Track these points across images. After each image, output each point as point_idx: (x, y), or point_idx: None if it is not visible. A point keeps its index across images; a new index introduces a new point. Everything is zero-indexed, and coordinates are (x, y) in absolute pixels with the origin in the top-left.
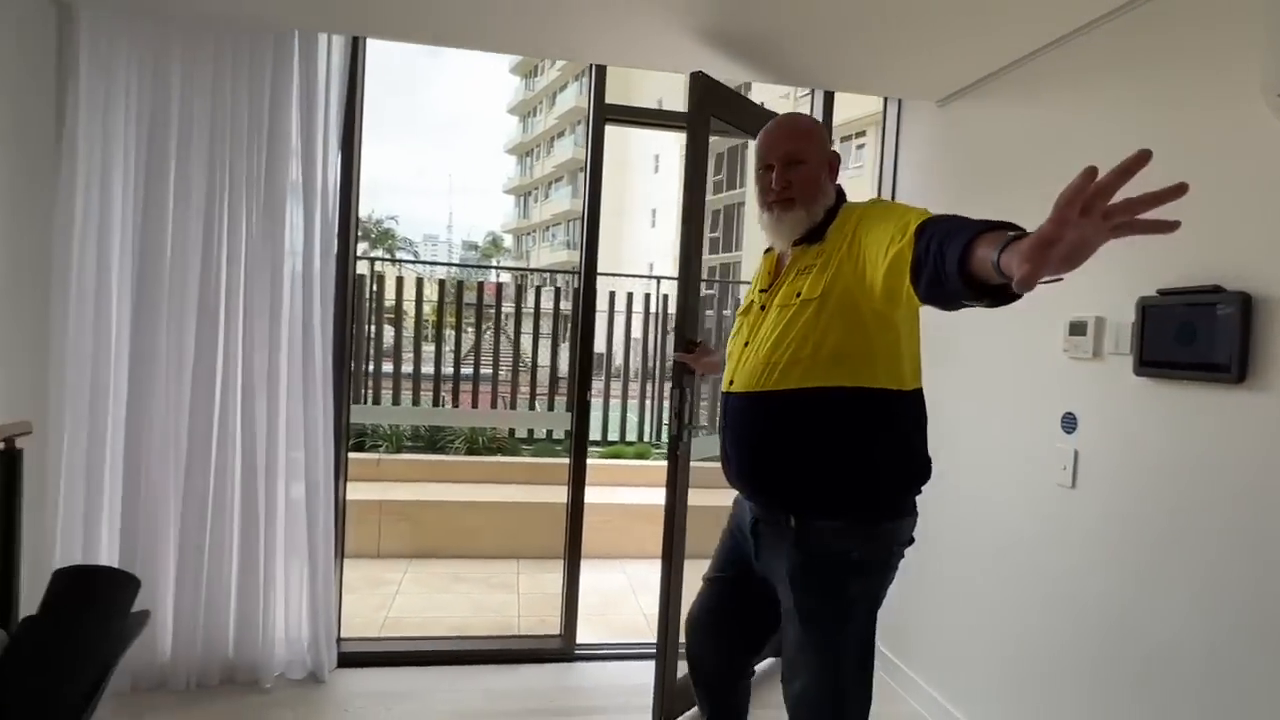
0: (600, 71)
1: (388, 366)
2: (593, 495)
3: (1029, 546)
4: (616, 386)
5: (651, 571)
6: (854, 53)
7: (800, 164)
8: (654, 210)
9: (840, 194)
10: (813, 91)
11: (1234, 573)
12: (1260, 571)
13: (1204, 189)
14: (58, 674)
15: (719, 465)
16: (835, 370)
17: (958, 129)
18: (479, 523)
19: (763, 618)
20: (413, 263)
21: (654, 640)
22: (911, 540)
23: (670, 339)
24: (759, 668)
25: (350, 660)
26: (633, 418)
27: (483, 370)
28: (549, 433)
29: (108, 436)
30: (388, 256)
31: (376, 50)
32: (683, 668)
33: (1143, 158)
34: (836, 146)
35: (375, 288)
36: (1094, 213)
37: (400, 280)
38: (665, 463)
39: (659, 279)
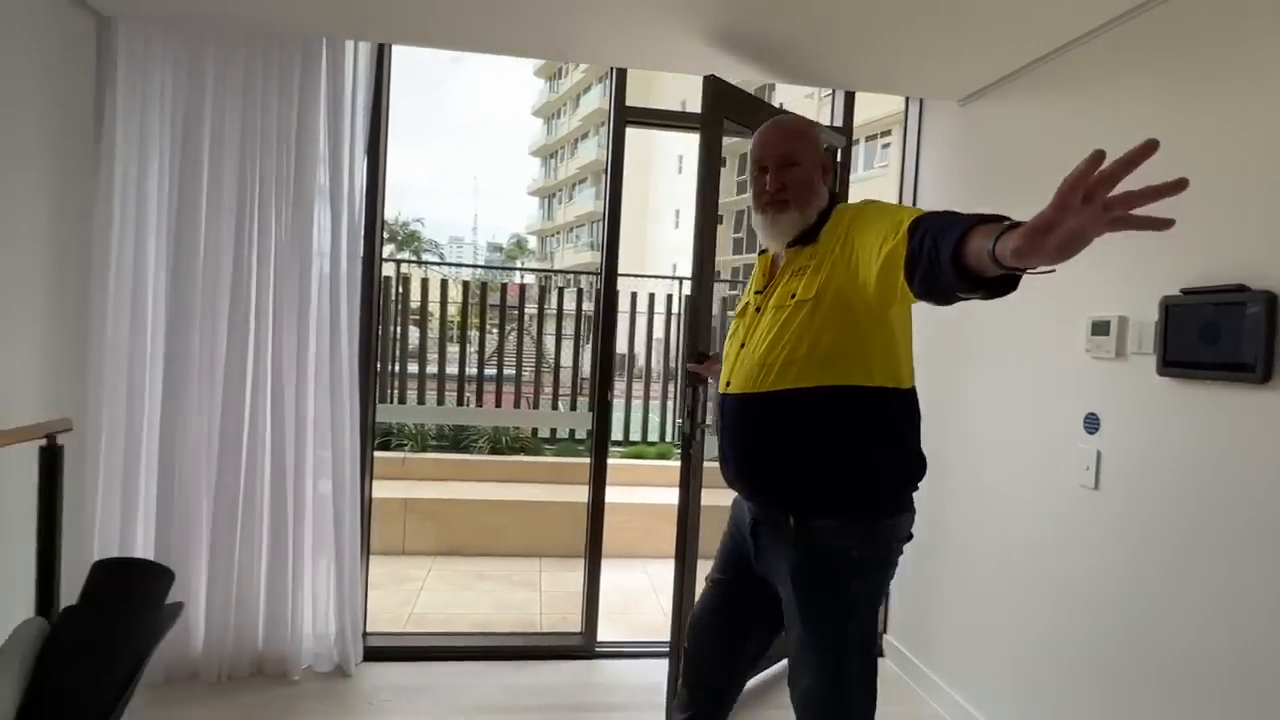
0: (621, 74)
1: (413, 367)
2: (615, 495)
3: (1051, 547)
4: (639, 387)
5: (672, 571)
6: (875, 53)
7: (794, 165)
8: (677, 211)
9: (833, 196)
10: (834, 91)
11: (1259, 575)
12: None
13: (1228, 187)
14: (95, 664)
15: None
16: (830, 370)
17: (979, 128)
18: (502, 521)
19: (764, 619)
20: (438, 264)
21: None
22: (910, 536)
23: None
24: (769, 671)
25: (376, 654)
26: (654, 418)
27: (506, 370)
28: (571, 432)
29: (143, 435)
30: (413, 258)
31: (401, 54)
32: None
33: (1149, 148)
34: (861, 145)
35: (401, 289)
36: (1095, 201)
37: (425, 282)
38: None
39: (681, 280)
